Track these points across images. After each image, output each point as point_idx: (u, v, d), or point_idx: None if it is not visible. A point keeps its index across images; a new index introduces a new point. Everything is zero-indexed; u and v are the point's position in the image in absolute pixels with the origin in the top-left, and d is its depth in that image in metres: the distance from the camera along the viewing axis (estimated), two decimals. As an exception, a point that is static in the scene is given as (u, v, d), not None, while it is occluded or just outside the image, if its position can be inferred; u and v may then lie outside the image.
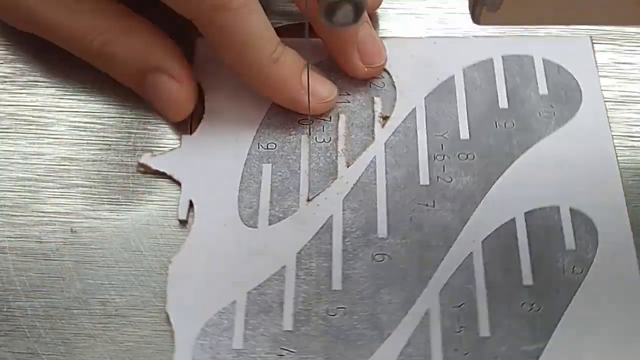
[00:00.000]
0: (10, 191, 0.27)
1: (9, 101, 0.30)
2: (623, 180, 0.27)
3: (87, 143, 0.29)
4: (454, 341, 0.23)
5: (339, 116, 0.29)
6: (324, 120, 0.29)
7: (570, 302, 0.24)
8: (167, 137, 0.29)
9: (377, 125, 0.29)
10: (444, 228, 0.26)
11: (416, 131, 0.28)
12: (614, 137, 0.28)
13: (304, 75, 0.28)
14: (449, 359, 0.23)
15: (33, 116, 0.29)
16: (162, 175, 0.27)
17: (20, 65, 0.30)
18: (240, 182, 0.27)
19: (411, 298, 0.24)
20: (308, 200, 0.27)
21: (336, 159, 0.28)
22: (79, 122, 0.29)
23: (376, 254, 0.25)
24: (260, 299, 0.24)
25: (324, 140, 0.28)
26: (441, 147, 0.28)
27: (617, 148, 0.28)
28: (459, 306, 0.24)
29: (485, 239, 0.25)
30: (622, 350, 0.23)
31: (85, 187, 0.27)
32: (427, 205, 0.26)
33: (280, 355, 0.23)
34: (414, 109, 0.29)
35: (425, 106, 0.29)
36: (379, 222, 0.26)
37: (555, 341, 0.23)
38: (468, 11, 0.19)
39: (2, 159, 0.28)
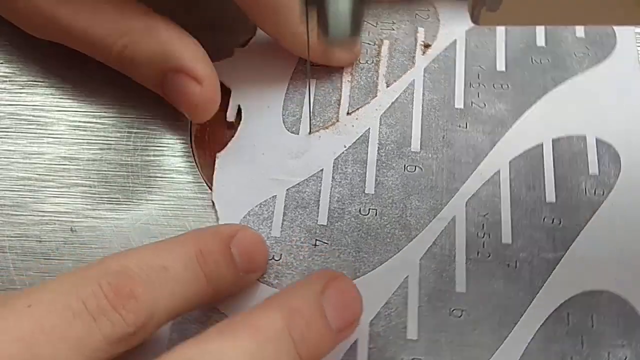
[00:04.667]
0: (10, 190, 0.27)
1: (9, 101, 0.30)
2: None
3: (87, 142, 0.29)
4: (477, 245, 0.25)
5: (382, 41, 0.31)
6: (368, 44, 0.30)
7: (589, 220, 0.26)
8: (167, 136, 0.29)
9: (419, 52, 0.30)
10: (474, 147, 0.28)
11: (455, 60, 0.30)
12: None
13: None
14: (471, 260, 0.25)
15: (33, 115, 0.29)
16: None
17: (20, 65, 0.30)
18: (286, 93, 0.30)
19: (439, 206, 0.27)
20: (348, 113, 0.29)
21: (377, 79, 0.30)
22: (79, 121, 0.29)
23: (408, 165, 0.27)
24: (298, 196, 0.27)
25: (366, 62, 0.30)
26: (477, 76, 0.30)
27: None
28: (484, 215, 0.26)
29: (513, 159, 0.27)
30: (632, 268, 0.25)
31: (85, 186, 0.27)
32: (459, 126, 0.28)
33: (315, 245, 0.26)
34: (455, 41, 0.31)
35: (466, 39, 0.31)
36: (413, 138, 0.28)
37: (573, 253, 0.25)
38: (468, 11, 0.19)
39: (3, 159, 0.28)
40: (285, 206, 0.27)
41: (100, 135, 0.29)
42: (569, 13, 0.18)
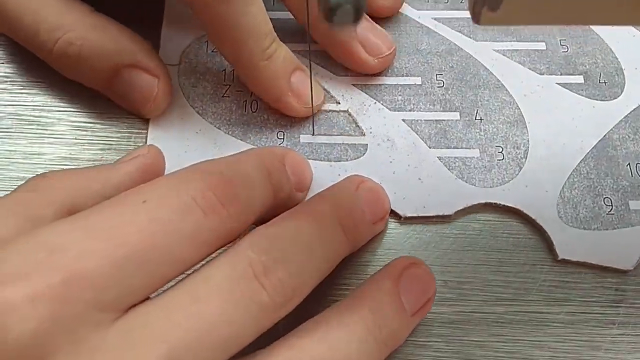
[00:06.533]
0: (10, 190, 0.27)
1: (9, 101, 0.30)
2: None
3: (88, 143, 0.29)
4: None
5: None
6: None
7: None
8: (168, 136, 0.29)
9: None
10: None
11: None
12: None
13: (294, 77, 0.28)
14: None
15: (34, 116, 0.29)
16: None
17: (21, 65, 0.30)
18: None
19: None
20: None
21: None
22: (80, 121, 0.29)
23: None
24: None
25: None
26: None
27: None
28: None
29: None
30: None
31: (86, 186, 0.27)
32: None
33: None
34: None
35: None
36: None
37: None
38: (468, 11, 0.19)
39: (3, 159, 0.28)
40: None
41: (101, 136, 0.29)
42: (572, 12, 0.18)
